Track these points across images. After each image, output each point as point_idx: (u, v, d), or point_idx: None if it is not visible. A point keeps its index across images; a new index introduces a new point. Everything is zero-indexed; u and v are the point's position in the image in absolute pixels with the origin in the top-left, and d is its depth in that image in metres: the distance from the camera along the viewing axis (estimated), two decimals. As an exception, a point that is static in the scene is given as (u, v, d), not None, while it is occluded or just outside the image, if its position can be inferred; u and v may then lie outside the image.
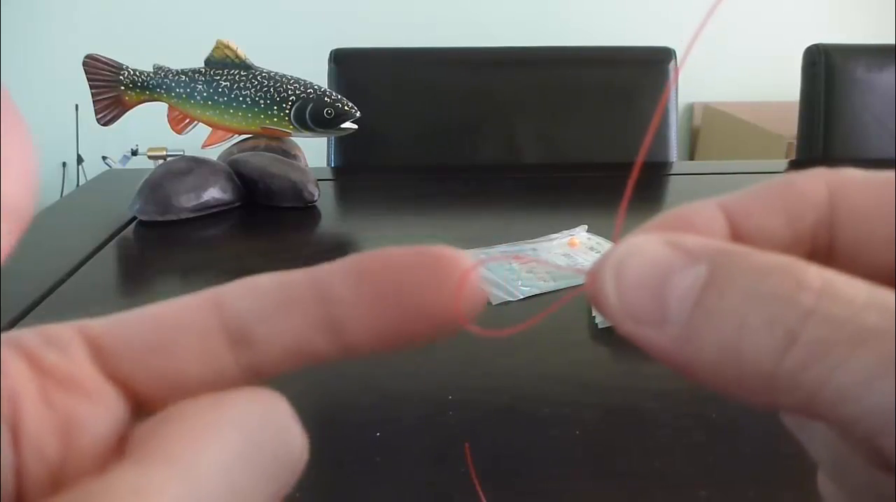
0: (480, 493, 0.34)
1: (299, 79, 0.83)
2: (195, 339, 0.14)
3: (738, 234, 0.15)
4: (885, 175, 0.15)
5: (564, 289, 0.59)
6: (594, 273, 0.14)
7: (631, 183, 0.16)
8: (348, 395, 0.46)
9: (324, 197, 0.83)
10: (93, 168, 2.18)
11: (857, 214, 0.15)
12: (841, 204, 0.15)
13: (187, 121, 0.85)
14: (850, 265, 0.14)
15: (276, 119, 0.82)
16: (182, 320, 0.14)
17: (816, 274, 0.12)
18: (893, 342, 0.11)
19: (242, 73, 0.82)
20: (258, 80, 0.82)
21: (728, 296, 0.12)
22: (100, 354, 0.14)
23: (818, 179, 0.15)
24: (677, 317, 0.13)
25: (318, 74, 1.01)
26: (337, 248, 0.74)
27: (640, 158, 0.16)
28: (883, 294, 0.12)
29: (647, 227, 0.15)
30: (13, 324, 0.54)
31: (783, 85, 1.74)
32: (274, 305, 0.14)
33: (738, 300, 0.12)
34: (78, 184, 2.23)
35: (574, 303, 0.57)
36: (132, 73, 0.84)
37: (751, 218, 0.15)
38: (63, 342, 0.14)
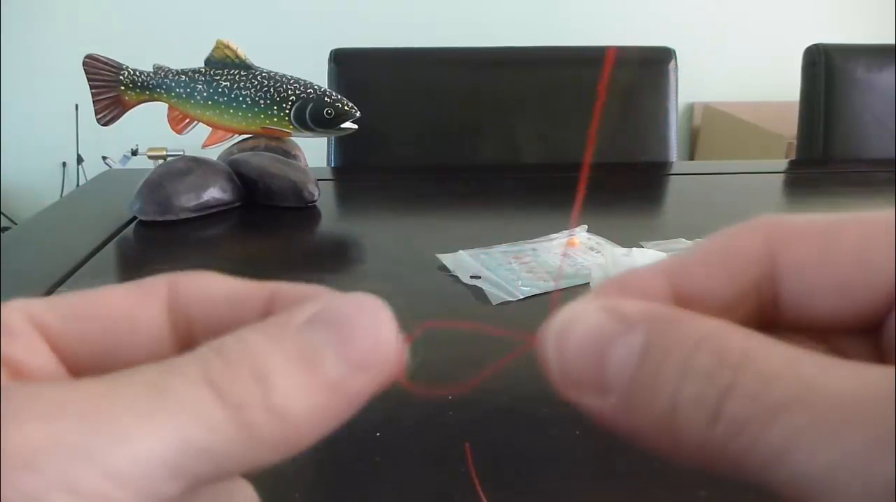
0: (480, 493, 0.34)
1: (299, 79, 0.83)
2: (144, 340, 0.14)
3: (681, 297, 0.15)
4: (823, 221, 0.15)
5: (564, 289, 0.59)
6: (539, 338, 0.14)
7: (585, 183, 0.16)
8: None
9: (324, 197, 0.83)
10: (93, 168, 2.18)
11: (797, 265, 0.15)
12: (781, 255, 0.15)
13: (187, 121, 0.85)
14: (796, 313, 0.15)
15: (276, 119, 0.82)
16: (135, 319, 0.14)
17: (737, 346, 0.12)
18: (805, 412, 0.11)
19: (242, 73, 0.82)
20: (258, 80, 0.82)
21: (662, 370, 0.13)
22: (51, 342, 0.14)
23: (757, 233, 0.15)
24: (617, 386, 0.13)
25: (318, 74, 1.01)
26: (337, 248, 0.74)
27: (588, 158, 0.17)
28: (801, 359, 0.12)
29: (594, 292, 0.15)
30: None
31: (783, 85, 1.74)
32: (222, 320, 0.15)
33: (671, 374, 0.13)
34: (78, 184, 2.23)
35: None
36: (132, 73, 0.84)
37: (693, 280, 0.15)
38: (17, 331, 0.14)
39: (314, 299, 0.14)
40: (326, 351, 0.14)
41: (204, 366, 0.13)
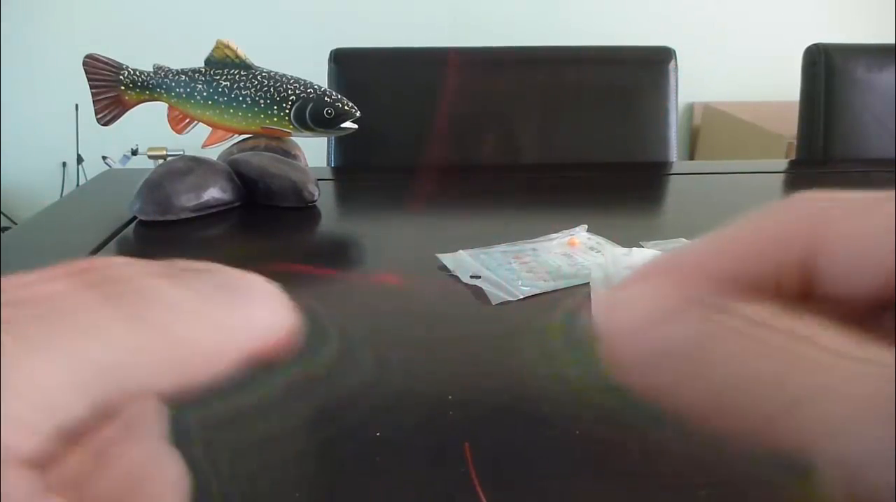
0: (480, 493, 0.34)
1: (299, 79, 0.83)
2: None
3: (726, 272, 0.16)
4: (863, 198, 0.15)
5: (564, 288, 0.59)
6: (593, 315, 0.15)
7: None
8: (348, 395, 0.46)
9: (324, 197, 0.83)
10: (93, 168, 2.18)
11: (835, 241, 0.15)
12: (821, 232, 0.15)
13: (187, 121, 0.85)
14: (832, 289, 0.15)
15: (276, 119, 0.82)
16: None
17: (786, 326, 0.13)
18: (845, 402, 0.12)
19: (242, 72, 0.82)
20: (258, 80, 0.82)
21: (719, 348, 0.13)
22: None
23: (797, 210, 0.16)
24: (671, 363, 0.14)
25: (318, 74, 1.01)
26: (337, 248, 0.74)
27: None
28: (847, 345, 0.13)
29: (642, 272, 0.16)
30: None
31: (783, 85, 1.74)
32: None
33: (730, 350, 0.13)
34: (78, 184, 2.23)
35: (574, 302, 0.57)
36: (132, 72, 0.84)
37: (737, 256, 0.16)
38: None
39: (212, 272, 0.16)
40: (223, 297, 0.15)
41: (104, 292, 0.13)
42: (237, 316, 0.15)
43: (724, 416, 0.13)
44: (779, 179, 1.03)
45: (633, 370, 0.14)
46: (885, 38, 1.32)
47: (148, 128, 1.27)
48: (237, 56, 0.82)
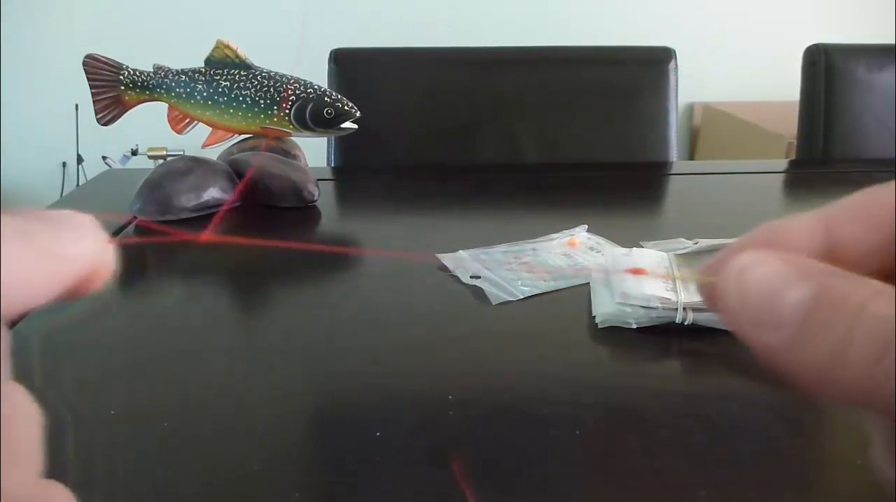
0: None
1: (299, 79, 0.83)
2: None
3: (832, 245, 0.18)
4: None
5: (565, 288, 0.59)
6: (714, 272, 0.17)
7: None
8: (348, 395, 0.46)
9: (324, 197, 0.83)
10: (93, 168, 2.18)
11: None
12: None
13: (187, 121, 0.85)
14: None
15: (276, 119, 0.82)
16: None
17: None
18: None
19: (242, 73, 0.82)
20: (258, 80, 0.82)
21: (833, 314, 0.15)
22: None
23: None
24: (788, 324, 0.15)
25: (318, 74, 1.01)
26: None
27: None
28: None
29: (754, 238, 0.18)
30: (13, 324, 0.54)
31: (783, 85, 1.74)
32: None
33: (844, 316, 0.15)
34: (78, 184, 2.23)
35: (574, 302, 0.57)
36: (132, 73, 0.84)
37: (842, 229, 0.18)
38: None
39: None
40: (35, 227, 0.15)
41: None
42: (49, 233, 0.15)
43: (828, 374, 0.15)
44: (779, 179, 1.03)
45: (755, 331, 0.16)
46: (885, 38, 1.32)
47: (148, 129, 1.27)
48: (237, 56, 0.82)
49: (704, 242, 0.57)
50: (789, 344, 0.15)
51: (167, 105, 0.85)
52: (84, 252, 0.16)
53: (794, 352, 0.15)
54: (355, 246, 0.74)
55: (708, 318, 0.50)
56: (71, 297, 0.17)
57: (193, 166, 0.77)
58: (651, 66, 1.17)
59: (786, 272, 0.16)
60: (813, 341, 0.15)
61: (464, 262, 0.63)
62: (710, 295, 0.17)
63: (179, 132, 0.86)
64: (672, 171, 1.09)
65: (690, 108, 2.35)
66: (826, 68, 1.16)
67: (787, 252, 0.17)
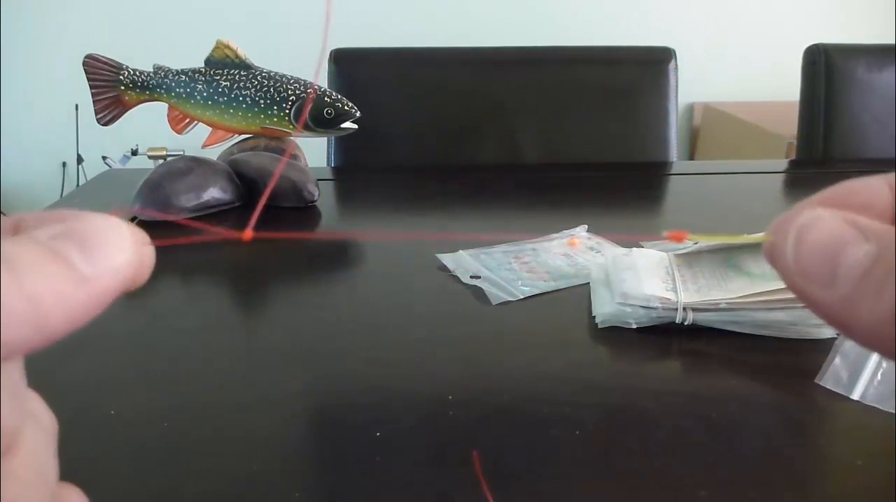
0: (489, 497, 0.34)
1: (299, 79, 0.83)
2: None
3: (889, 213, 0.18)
4: None
5: (565, 288, 0.59)
6: (775, 231, 0.17)
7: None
8: (348, 395, 0.46)
9: (324, 197, 0.83)
10: (93, 168, 2.18)
11: None
12: None
13: (187, 121, 0.85)
14: None
15: (276, 119, 0.82)
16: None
17: None
18: None
19: (242, 73, 0.82)
20: (258, 80, 0.82)
21: (890, 274, 0.15)
22: None
23: None
24: (845, 282, 0.16)
25: (318, 74, 1.01)
26: (337, 248, 0.74)
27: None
28: None
29: (821, 198, 0.18)
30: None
31: (783, 85, 1.74)
32: None
33: None
34: (78, 184, 2.23)
35: (574, 302, 0.57)
36: (132, 73, 0.84)
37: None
38: None
39: (56, 220, 0.16)
40: (70, 250, 0.15)
41: None
42: (81, 257, 0.15)
43: (883, 330, 0.15)
44: (779, 179, 1.03)
45: (809, 284, 0.16)
46: (885, 38, 1.32)
47: (148, 128, 1.28)
48: (237, 56, 0.82)
49: (704, 242, 0.57)
50: (844, 301, 0.16)
51: (167, 105, 0.85)
52: (121, 266, 0.16)
53: (849, 309, 0.16)
54: (355, 245, 0.74)
55: (708, 318, 0.50)
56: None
57: (193, 166, 0.77)
58: (651, 66, 1.17)
59: (845, 230, 0.16)
60: (869, 300, 0.15)
61: (464, 262, 0.63)
62: (771, 252, 0.18)
63: (179, 132, 0.86)
64: (672, 171, 1.09)
65: (690, 108, 2.35)
66: (826, 68, 1.16)
67: (851, 211, 0.17)
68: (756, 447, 0.39)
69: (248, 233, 0.19)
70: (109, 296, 0.16)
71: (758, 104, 2.17)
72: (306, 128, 0.82)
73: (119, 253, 0.16)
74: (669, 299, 0.50)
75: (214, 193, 0.77)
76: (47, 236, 0.15)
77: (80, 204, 0.91)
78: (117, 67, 0.84)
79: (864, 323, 0.15)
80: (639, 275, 0.53)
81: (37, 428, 0.17)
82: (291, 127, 0.82)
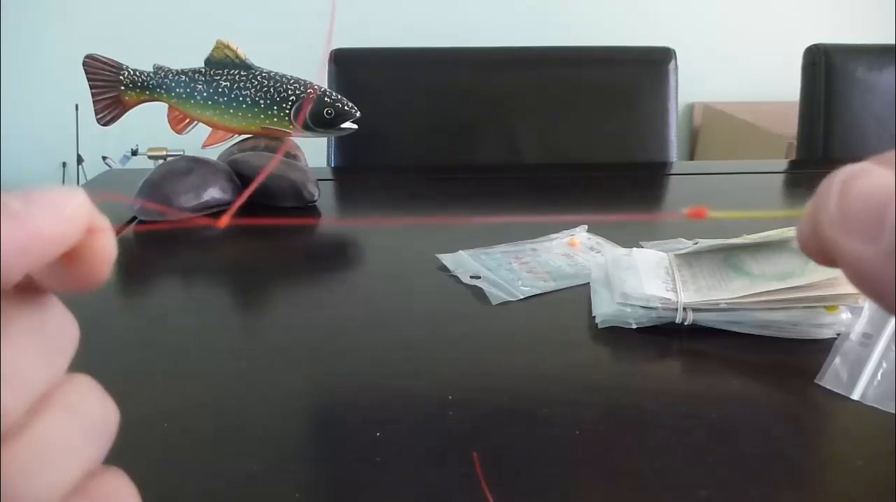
0: (489, 497, 0.34)
1: (299, 79, 0.83)
2: None
3: None
4: None
5: (565, 288, 0.59)
6: (821, 190, 0.16)
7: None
8: (348, 395, 0.46)
9: (324, 197, 0.83)
10: (93, 168, 2.18)
11: None
12: None
13: (187, 121, 0.85)
14: None
15: (276, 119, 0.82)
16: None
17: None
18: None
19: (242, 73, 0.82)
20: (258, 80, 0.82)
21: None
22: None
23: None
24: (889, 236, 0.15)
25: (317, 74, 1.01)
26: (337, 248, 0.74)
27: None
28: None
29: (875, 159, 0.17)
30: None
31: (783, 85, 1.73)
32: None
33: None
34: (78, 185, 2.23)
35: (574, 302, 0.57)
36: (132, 73, 0.84)
37: None
38: None
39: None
40: (10, 199, 0.16)
41: None
42: (23, 203, 0.16)
43: None
44: (779, 179, 1.03)
45: (849, 237, 0.15)
46: (885, 38, 1.32)
47: (148, 129, 1.27)
48: (237, 56, 0.82)
49: (704, 242, 0.57)
50: (887, 257, 0.15)
51: (167, 105, 0.85)
52: (59, 209, 0.16)
53: (890, 266, 0.15)
54: (355, 245, 0.74)
55: (708, 318, 0.50)
56: (74, 284, 0.17)
57: (193, 166, 0.77)
58: (651, 66, 1.17)
59: (893, 184, 0.15)
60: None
61: (464, 262, 0.63)
62: (813, 209, 0.17)
63: (179, 132, 0.85)
64: (672, 171, 1.09)
65: (690, 108, 2.35)
66: (826, 68, 1.16)
67: None
68: (756, 447, 0.39)
69: (224, 220, 0.19)
70: (50, 241, 0.16)
71: (758, 104, 2.17)
72: (306, 128, 0.82)
73: (60, 199, 0.17)
74: (669, 299, 0.50)
75: (214, 193, 0.77)
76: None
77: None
78: (117, 67, 0.84)
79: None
80: (639, 276, 0.53)
81: (65, 411, 0.17)
82: (291, 127, 0.82)
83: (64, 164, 2.31)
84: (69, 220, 0.16)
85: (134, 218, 0.75)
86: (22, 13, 2.17)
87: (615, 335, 0.51)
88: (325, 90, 0.82)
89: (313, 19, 2.21)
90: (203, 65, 0.83)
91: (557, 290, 0.58)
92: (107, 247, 0.17)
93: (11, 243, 0.15)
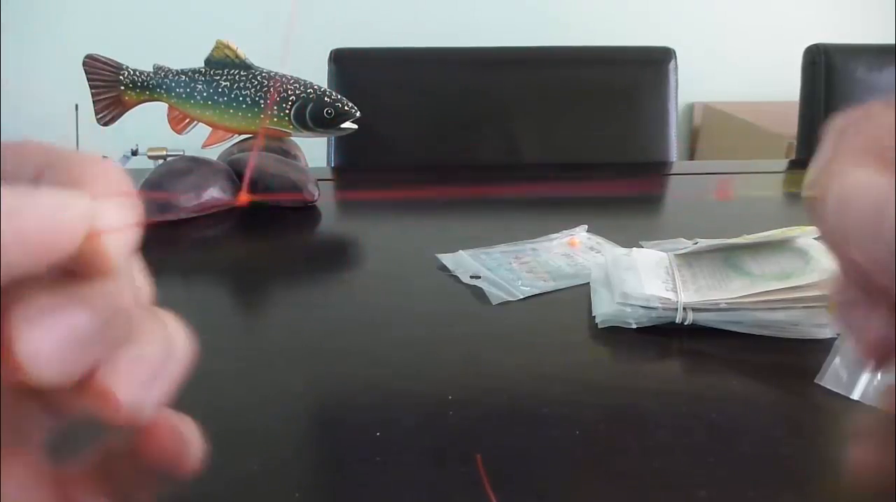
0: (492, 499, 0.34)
1: (299, 79, 0.83)
2: None
3: None
4: None
5: (564, 288, 0.59)
6: (813, 187, 0.17)
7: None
8: (348, 395, 0.46)
9: (324, 197, 0.83)
10: (93, 168, 2.18)
11: None
12: None
13: (187, 121, 0.85)
14: None
15: (276, 119, 0.82)
16: None
17: None
18: None
19: (242, 73, 0.82)
20: (258, 80, 0.81)
21: None
22: None
23: None
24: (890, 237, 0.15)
25: (318, 74, 1.01)
26: (337, 248, 0.74)
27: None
28: None
29: (854, 146, 0.18)
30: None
31: (783, 85, 1.73)
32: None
33: None
34: (78, 184, 2.23)
35: (574, 302, 0.57)
36: (132, 73, 0.84)
37: None
38: None
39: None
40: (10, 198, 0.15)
41: None
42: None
43: None
44: (779, 179, 1.03)
45: (859, 244, 0.16)
46: (885, 38, 1.32)
47: (148, 129, 1.27)
48: (237, 56, 0.82)
49: (704, 242, 0.57)
50: (887, 257, 0.15)
51: (167, 105, 0.85)
52: (67, 219, 0.16)
53: (889, 263, 0.15)
54: (355, 245, 0.74)
55: (708, 318, 0.50)
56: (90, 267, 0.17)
57: (193, 166, 0.77)
58: (651, 66, 1.17)
59: (890, 192, 0.16)
60: None
61: (464, 262, 0.63)
62: (814, 213, 0.18)
63: (179, 132, 0.85)
64: (672, 171, 1.09)
65: (690, 108, 2.35)
66: (826, 68, 1.16)
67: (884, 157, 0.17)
68: (756, 447, 0.39)
69: (244, 197, 0.19)
70: (39, 245, 0.15)
71: (758, 104, 2.17)
72: (306, 128, 0.82)
73: (59, 203, 0.16)
74: (669, 299, 0.50)
75: (214, 193, 0.77)
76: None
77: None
78: (117, 67, 0.84)
79: None
80: (639, 275, 0.53)
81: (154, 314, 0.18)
82: (291, 127, 0.82)
83: (64, 164, 2.30)
84: (64, 229, 0.16)
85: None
86: (22, 13, 2.17)
87: (615, 335, 0.51)
88: (325, 90, 0.82)
89: (313, 19, 2.21)
90: (203, 65, 0.83)
91: (557, 290, 0.58)
92: (110, 252, 0.17)
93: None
